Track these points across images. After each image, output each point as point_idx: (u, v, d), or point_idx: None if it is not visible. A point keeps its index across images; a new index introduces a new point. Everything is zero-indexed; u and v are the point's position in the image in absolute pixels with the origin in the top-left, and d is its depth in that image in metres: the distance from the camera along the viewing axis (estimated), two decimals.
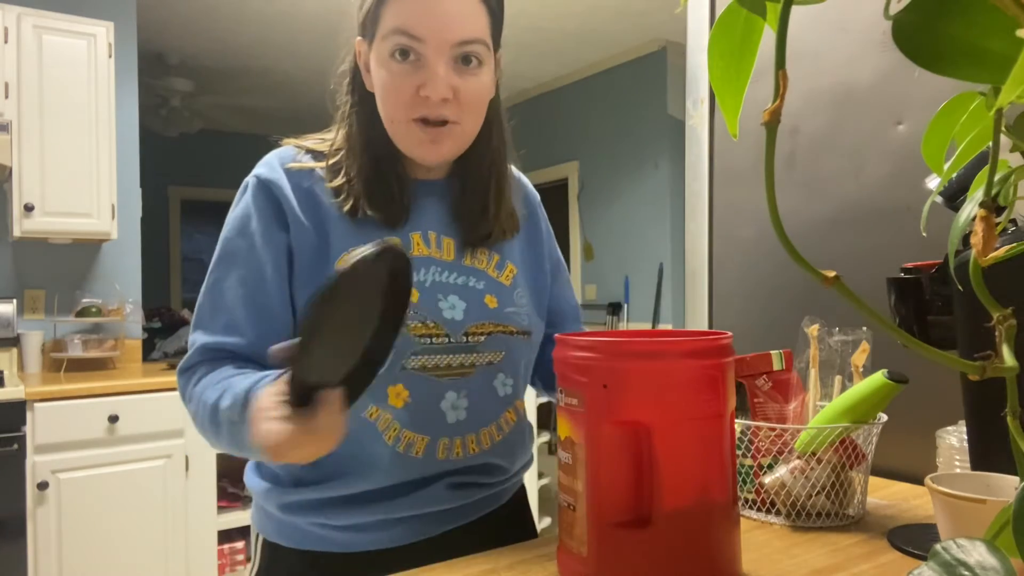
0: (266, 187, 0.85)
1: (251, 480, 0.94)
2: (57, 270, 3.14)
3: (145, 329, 3.44)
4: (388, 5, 0.81)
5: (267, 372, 0.78)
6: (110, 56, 2.95)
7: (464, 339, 0.88)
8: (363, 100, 0.89)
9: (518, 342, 0.93)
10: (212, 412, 0.79)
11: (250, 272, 0.84)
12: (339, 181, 0.86)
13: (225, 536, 2.91)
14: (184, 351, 0.91)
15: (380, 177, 0.87)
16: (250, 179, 0.87)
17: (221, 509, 2.90)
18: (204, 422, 0.81)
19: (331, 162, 0.88)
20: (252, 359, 0.84)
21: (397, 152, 0.88)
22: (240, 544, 2.96)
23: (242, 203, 0.86)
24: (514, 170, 1.01)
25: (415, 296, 0.86)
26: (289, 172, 0.86)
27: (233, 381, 0.79)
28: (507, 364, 0.92)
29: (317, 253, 0.84)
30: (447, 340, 0.86)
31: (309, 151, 0.90)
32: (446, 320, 0.87)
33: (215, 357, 0.84)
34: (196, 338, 0.85)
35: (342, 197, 0.86)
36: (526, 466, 1.02)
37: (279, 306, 0.85)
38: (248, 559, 2.98)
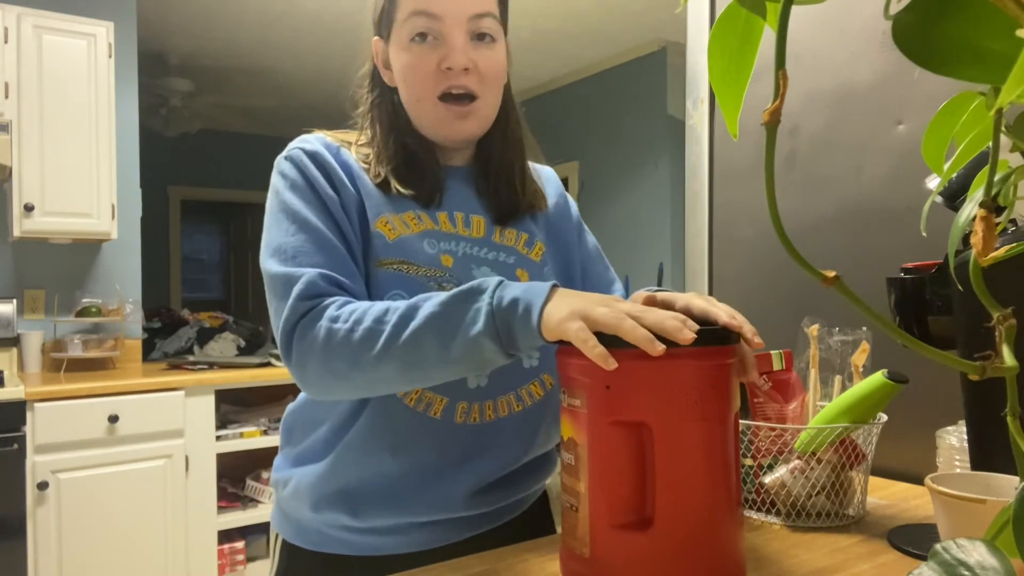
0: (312, 156, 0.88)
1: (282, 472, 0.93)
2: (57, 270, 3.13)
3: (145, 329, 3.44)
4: None
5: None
6: (110, 56, 2.94)
7: None
8: (383, 95, 0.94)
9: None
10: (405, 314, 0.74)
11: (331, 222, 0.85)
12: (370, 163, 0.91)
13: (225, 536, 2.91)
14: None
15: (409, 163, 0.91)
16: (293, 153, 0.89)
17: (221, 509, 2.90)
18: (374, 333, 0.74)
19: (360, 153, 0.92)
20: (357, 298, 0.82)
21: (423, 139, 0.92)
22: (240, 544, 2.96)
23: (293, 173, 0.87)
24: (537, 166, 1.06)
25: (449, 262, 0.88)
26: (327, 145, 0.90)
27: (430, 295, 0.76)
28: None
29: (361, 214, 0.88)
30: None
31: (339, 140, 0.93)
32: None
33: (338, 292, 0.81)
34: (311, 271, 0.81)
35: (373, 174, 0.90)
36: (546, 464, 0.99)
37: (357, 257, 0.86)
38: (248, 559, 2.99)
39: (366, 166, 0.91)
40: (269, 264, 0.83)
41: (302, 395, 0.95)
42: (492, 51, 0.89)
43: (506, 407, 0.90)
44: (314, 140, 0.90)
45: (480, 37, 0.88)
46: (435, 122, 0.90)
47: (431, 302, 0.74)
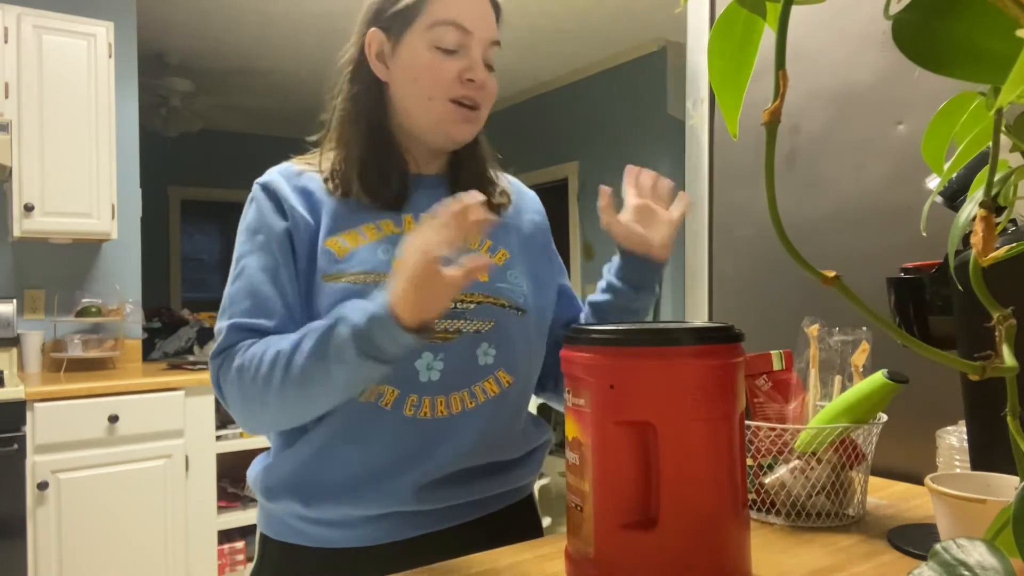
0: (266, 188, 0.94)
1: (252, 471, 0.97)
2: (57, 270, 3.13)
3: (145, 329, 3.44)
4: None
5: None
6: (110, 56, 2.94)
7: (453, 304, 0.90)
8: (368, 89, 0.96)
9: (510, 315, 0.94)
10: (289, 355, 0.81)
11: (269, 261, 0.91)
12: (331, 169, 0.95)
13: (225, 536, 2.91)
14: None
15: (377, 166, 0.94)
16: (253, 189, 0.96)
17: (221, 509, 2.91)
18: (270, 376, 0.82)
19: (324, 162, 0.96)
20: (271, 333, 0.89)
21: (396, 144, 0.96)
22: (240, 544, 2.96)
23: (251, 208, 0.95)
24: (519, 185, 1.11)
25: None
26: (284, 174, 0.96)
27: (309, 326, 0.84)
28: (495, 334, 0.93)
29: (310, 235, 0.92)
30: None
31: (306, 163, 0.99)
32: None
33: (248, 337, 0.88)
34: (225, 324, 0.89)
35: (332, 184, 0.94)
36: (515, 470, 0.98)
37: (292, 290, 0.91)
38: (248, 559, 2.99)
39: (327, 180, 0.94)
40: (225, 292, 0.92)
41: None
42: (492, 75, 0.96)
43: (459, 403, 0.91)
44: (274, 171, 0.96)
45: (488, 62, 0.95)
46: (441, 120, 0.93)
47: (308, 340, 0.81)
